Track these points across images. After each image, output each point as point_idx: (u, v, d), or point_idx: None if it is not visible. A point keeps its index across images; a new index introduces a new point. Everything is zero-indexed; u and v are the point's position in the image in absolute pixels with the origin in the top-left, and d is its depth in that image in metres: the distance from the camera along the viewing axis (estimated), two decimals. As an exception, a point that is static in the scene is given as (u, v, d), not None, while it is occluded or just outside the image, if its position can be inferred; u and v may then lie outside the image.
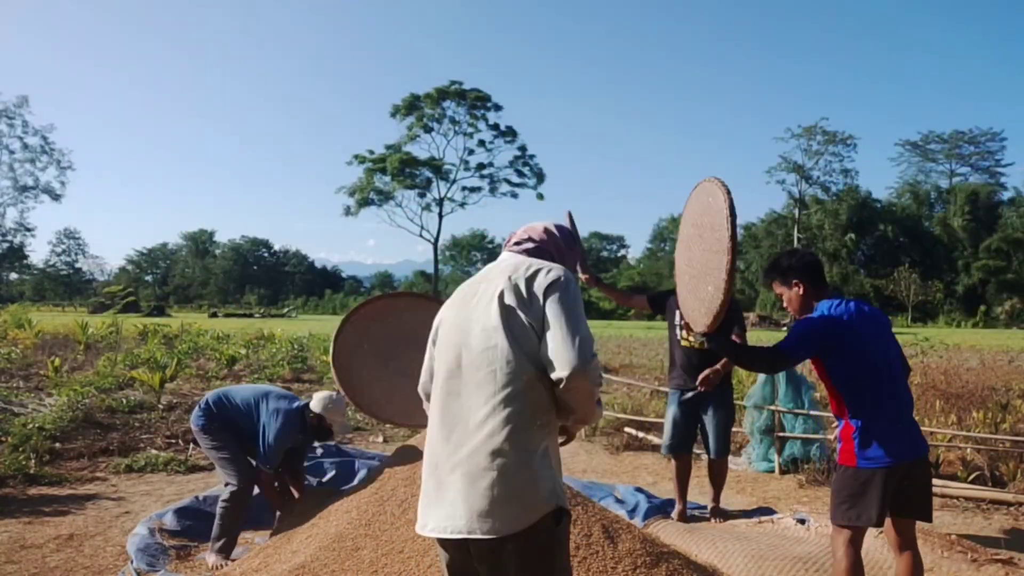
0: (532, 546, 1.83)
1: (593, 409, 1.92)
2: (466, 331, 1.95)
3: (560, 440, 2.04)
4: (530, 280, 1.93)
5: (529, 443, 1.84)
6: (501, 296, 1.91)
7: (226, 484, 4.03)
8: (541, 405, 1.87)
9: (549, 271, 1.95)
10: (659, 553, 3.22)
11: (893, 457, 2.86)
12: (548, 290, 1.90)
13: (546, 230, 2.18)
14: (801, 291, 3.06)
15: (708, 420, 4.77)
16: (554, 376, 1.82)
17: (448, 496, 1.86)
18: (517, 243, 2.15)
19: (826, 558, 3.90)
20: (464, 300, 2.03)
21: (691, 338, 4.68)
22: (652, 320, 57.76)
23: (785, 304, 3.15)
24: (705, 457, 5.11)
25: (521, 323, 1.88)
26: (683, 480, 4.82)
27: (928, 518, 3.03)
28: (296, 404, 4.11)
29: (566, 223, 2.79)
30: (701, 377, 4.56)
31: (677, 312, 4.71)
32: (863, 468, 2.88)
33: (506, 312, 1.89)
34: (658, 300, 5.04)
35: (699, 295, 2.90)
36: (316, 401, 4.08)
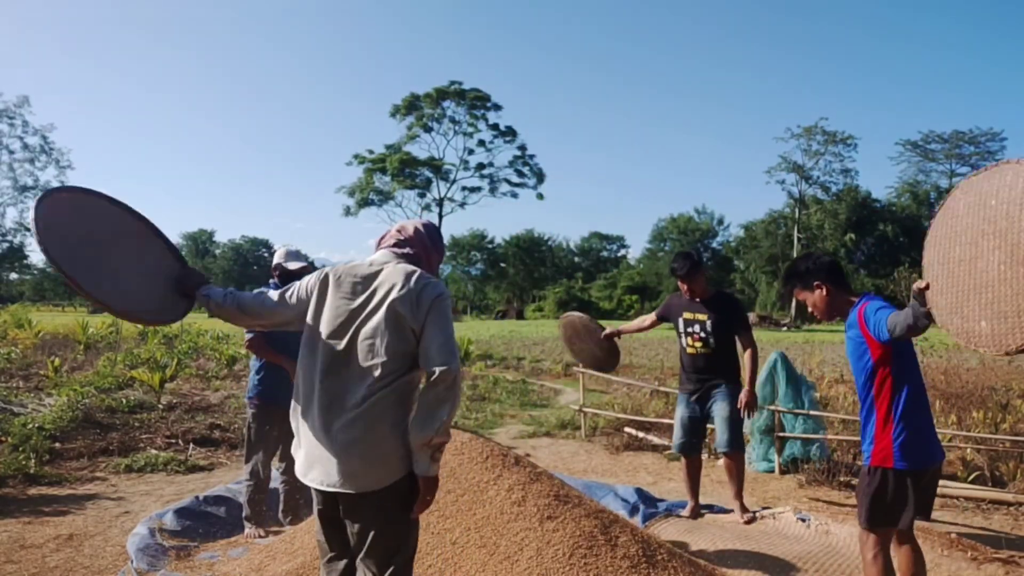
0: (389, 502, 2.28)
1: (438, 414, 2.20)
2: (355, 322, 2.33)
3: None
4: (420, 292, 2.30)
5: (394, 421, 2.27)
6: (394, 302, 2.29)
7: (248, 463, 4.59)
8: (407, 393, 2.31)
9: (435, 286, 2.35)
10: (659, 553, 3.22)
11: (926, 461, 2.87)
12: (434, 302, 2.30)
13: (416, 231, 2.53)
14: (825, 292, 3.06)
15: (716, 416, 4.77)
16: (430, 368, 2.24)
17: (325, 455, 2.28)
18: (397, 245, 2.49)
19: (826, 557, 3.91)
20: (354, 290, 2.37)
21: (696, 344, 4.77)
22: (652, 320, 57.85)
23: (811, 309, 3.12)
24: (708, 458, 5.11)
25: (405, 327, 2.28)
26: (694, 479, 4.83)
27: (927, 516, 3.03)
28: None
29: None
30: (742, 404, 4.65)
31: (681, 320, 4.81)
32: (900, 470, 2.85)
33: (395, 317, 2.28)
34: (664, 313, 5.06)
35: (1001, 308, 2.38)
36: (275, 258, 4.66)
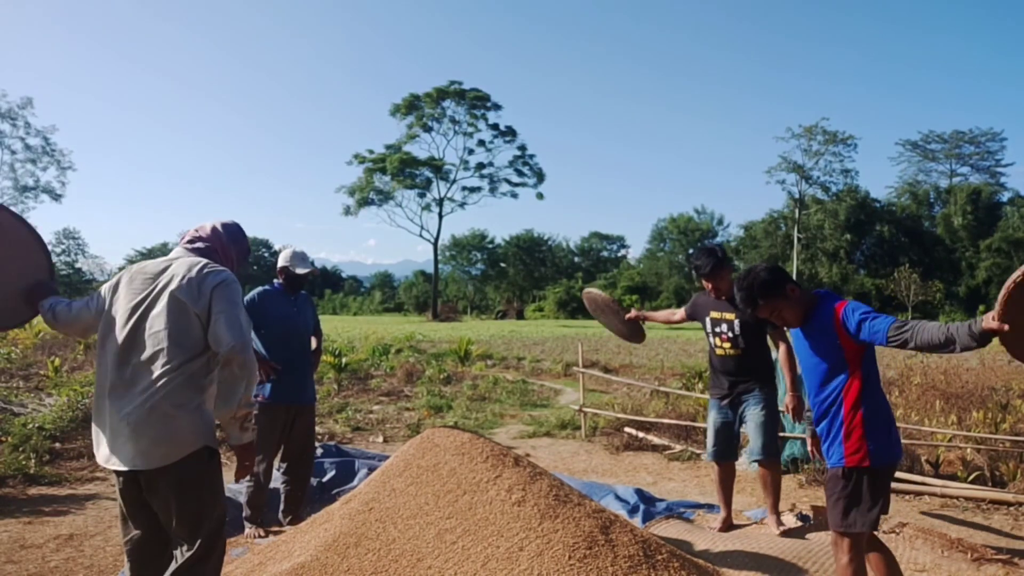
0: (185, 474, 2.47)
1: (236, 390, 2.45)
2: (144, 314, 2.53)
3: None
4: (202, 280, 2.52)
5: (181, 401, 2.45)
6: (175, 291, 2.50)
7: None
8: (196, 374, 2.50)
9: (218, 273, 2.55)
10: (659, 553, 3.22)
11: (895, 456, 2.89)
12: (216, 288, 2.51)
13: (214, 229, 2.76)
14: (798, 293, 2.98)
15: (749, 421, 4.51)
16: (219, 350, 2.44)
17: (121, 439, 2.46)
18: (190, 242, 2.71)
19: (825, 557, 3.90)
20: (143, 286, 2.58)
21: (725, 345, 4.53)
22: (652, 320, 57.80)
23: (784, 314, 3.00)
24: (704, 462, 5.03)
25: (189, 313, 2.48)
26: (727, 487, 4.60)
27: (887, 511, 3.02)
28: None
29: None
30: (788, 409, 4.40)
31: (708, 319, 4.58)
32: (876, 468, 2.86)
33: (176, 304, 2.49)
34: (692, 312, 4.79)
35: None
36: (280, 260, 4.73)
